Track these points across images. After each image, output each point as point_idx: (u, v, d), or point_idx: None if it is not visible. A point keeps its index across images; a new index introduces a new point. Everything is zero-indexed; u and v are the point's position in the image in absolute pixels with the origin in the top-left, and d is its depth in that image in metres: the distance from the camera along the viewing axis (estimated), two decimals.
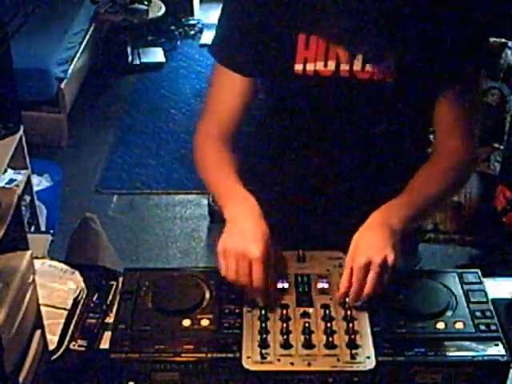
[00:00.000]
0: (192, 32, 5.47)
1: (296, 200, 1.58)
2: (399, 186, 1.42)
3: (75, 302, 1.42)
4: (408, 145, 1.53)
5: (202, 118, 1.53)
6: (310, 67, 1.38)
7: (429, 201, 1.41)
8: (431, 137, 1.53)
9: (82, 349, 1.34)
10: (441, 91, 1.40)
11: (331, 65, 1.38)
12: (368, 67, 1.36)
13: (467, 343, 1.24)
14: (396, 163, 1.52)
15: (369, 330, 1.26)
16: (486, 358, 1.22)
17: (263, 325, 1.25)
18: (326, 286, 1.34)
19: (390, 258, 1.26)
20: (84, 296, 1.44)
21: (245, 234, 1.30)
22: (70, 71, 4.14)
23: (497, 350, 1.23)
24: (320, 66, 1.38)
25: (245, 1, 1.40)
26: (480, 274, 1.38)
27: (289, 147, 1.54)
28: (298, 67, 1.38)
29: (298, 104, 1.45)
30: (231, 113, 1.48)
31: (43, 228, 3.21)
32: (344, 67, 1.37)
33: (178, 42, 5.33)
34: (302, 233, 1.59)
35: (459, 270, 1.39)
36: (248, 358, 1.21)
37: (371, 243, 1.29)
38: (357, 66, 1.37)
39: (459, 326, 1.27)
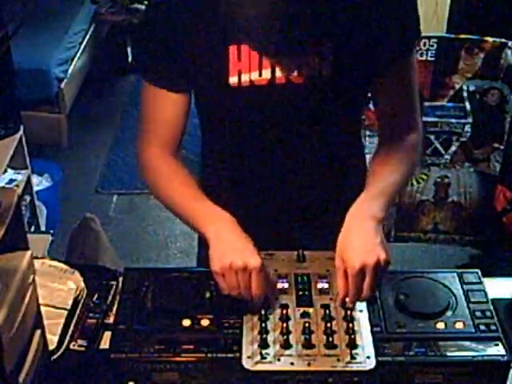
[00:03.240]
0: None
1: (255, 207, 1.56)
2: (352, 179, 1.47)
3: (75, 301, 1.41)
4: (350, 136, 1.55)
5: (141, 138, 1.50)
6: (244, 78, 1.36)
7: (396, 185, 1.40)
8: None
9: (82, 349, 1.34)
10: (378, 74, 1.41)
11: (266, 73, 1.35)
12: (304, 71, 1.34)
13: (467, 343, 1.24)
14: (342, 157, 1.53)
15: (369, 330, 1.26)
16: (486, 357, 1.22)
17: (263, 325, 1.25)
18: (325, 286, 1.34)
19: (383, 257, 1.24)
20: (84, 296, 1.44)
21: (237, 249, 1.29)
22: (69, 71, 4.14)
23: (497, 350, 1.23)
24: (255, 75, 1.36)
25: (167, 16, 1.35)
26: (480, 274, 1.38)
27: (233, 159, 1.52)
28: (233, 80, 1.36)
29: (237, 116, 1.43)
30: (170, 128, 1.46)
31: (43, 228, 3.21)
32: (279, 74, 1.35)
33: None
34: (268, 237, 1.58)
35: (459, 270, 1.39)
36: (248, 358, 1.21)
37: (361, 244, 1.26)
38: (293, 71, 1.34)
39: (459, 325, 1.27)
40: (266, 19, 1.16)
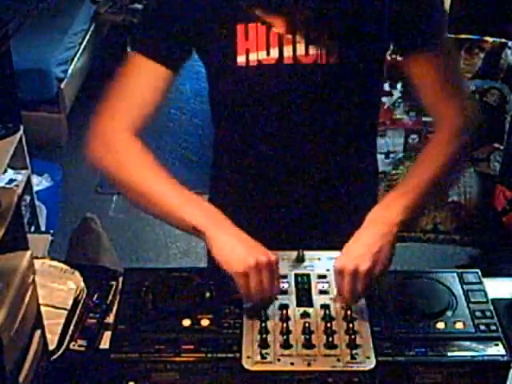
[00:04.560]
0: None
1: (262, 192, 1.54)
2: (360, 177, 1.45)
3: (75, 302, 1.41)
4: (361, 131, 1.51)
5: (104, 112, 1.41)
6: (252, 57, 1.35)
7: (431, 183, 1.37)
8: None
9: (82, 349, 1.34)
10: (407, 64, 1.40)
11: (274, 52, 1.35)
12: (312, 51, 1.34)
13: (467, 343, 1.24)
14: (351, 151, 1.50)
15: (369, 330, 1.26)
16: (486, 357, 1.22)
17: (263, 325, 1.25)
18: (325, 286, 1.34)
19: (378, 268, 1.26)
20: (84, 296, 1.44)
21: (254, 246, 1.27)
22: (69, 71, 4.14)
23: (497, 350, 1.23)
24: (263, 55, 1.35)
25: None
26: (480, 274, 1.38)
27: (243, 140, 1.49)
28: (241, 59, 1.35)
29: (245, 95, 1.41)
30: (143, 104, 1.39)
31: (43, 228, 3.21)
32: (287, 53, 1.34)
33: None
34: (272, 232, 1.56)
35: (459, 270, 1.39)
36: (248, 357, 1.21)
37: (359, 250, 1.27)
38: (300, 50, 1.34)
39: (459, 325, 1.27)
40: None
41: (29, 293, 1.13)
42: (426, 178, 1.37)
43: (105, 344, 1.32)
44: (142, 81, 1.40)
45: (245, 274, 1.24)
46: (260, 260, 1.24)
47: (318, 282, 1.35)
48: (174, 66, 1.41)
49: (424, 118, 2.77)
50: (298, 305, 1.30)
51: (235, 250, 1.26)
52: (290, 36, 1.32)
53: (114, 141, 1.38)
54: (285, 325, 1.25)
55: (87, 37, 4.52)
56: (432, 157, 1.40)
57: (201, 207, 1.33)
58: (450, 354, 1.22)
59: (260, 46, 1.34)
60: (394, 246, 1.29)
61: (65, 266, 1.50)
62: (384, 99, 2.72)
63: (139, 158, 1.38)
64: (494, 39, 2.62)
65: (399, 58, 1.43)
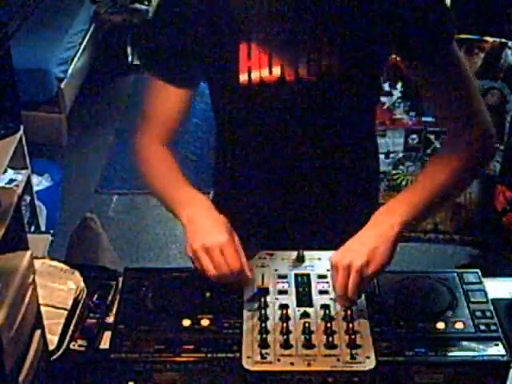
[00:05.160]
0: None
1: (265, 205, 1.57)
2: (362, 179, 1.47)
3: (75, 302, 1.41)
4: (362, 134, 1.54)
5: (138, 129, 1.52)
6: (254, 75, 1.36)
7: (435, 194, 1.37)
8: None
9: (82, 349, 1.33)
10: (417, 73, 1.39)
11: (276, 71, 1.36)
12: (314, 67, 1.34)
13: (467, 343, 1.24)
14: (354, 156, 1.52)
15: (369, 330, 1.26)
16: (486, 357, 1.22)
17: (263, 325, 1.25)
18: (325, 286, 1.34)
19: (373, 266, 1.26)
20: (84, 296, 1.44)
21: (206, 229, 1.32)
22: (69, 71, 4.14)
23: (497, 350, 1.23)
24: (265, 73, 1.36)
25: (179, 12, 1.36)
26: (480, 274, 1.38)
27: (245, 156, 1.53)
28: (243, 77, 1.37)
29: (248, 113, 1.44)
30: (167, 121, 1.48)
31: (43, 228, 3.21)
32: (289, 71, 1.35)
33: None
34: (273, 235, 1.60)
35: (459, 270, 1.39)
36: (248, 358, 1.21)
37: (355, 247, 1.29)
38: (302, 68, 1.35)
39: (459, 325, 1.27)
40: (272, 14, 1.15)
41: (29, 293, 1.13)
42: (431, 188, 1.37)
43: (105, 344, 1.32)
44: (165, 104, 1.47)
45: (194, 257, 1.31)
46: (203, 244, 1.29)
47: (317, 282, 1.35)
48: (191, 85, 1.45)
49: (424, 118, 2.77)
50: (298, 305, 1.30)
51: (189, 233, 1.33)
52: (291, 55, 1.32)
53: (144, 155, 1.51)
54: (285, 325, 1.25)
55: (87, 37, 4.52)
56: (441, 168, 1.39)
57: (186, 200, 1.39)
58: (450, 353, 1.22)
59: (262, 65, 1.35)
60: (395, 247, 1.29)
61: (65, 266, 1.50)
62: (384, 99, 2.72)
63: (154, 165, 1.49)
64: (494, 39, 2.62)
65: (399, 58, 1.43)
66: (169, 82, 1.43)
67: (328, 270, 1.36)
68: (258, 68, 1.36)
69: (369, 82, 1.43)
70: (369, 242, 1.28)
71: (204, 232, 1.32)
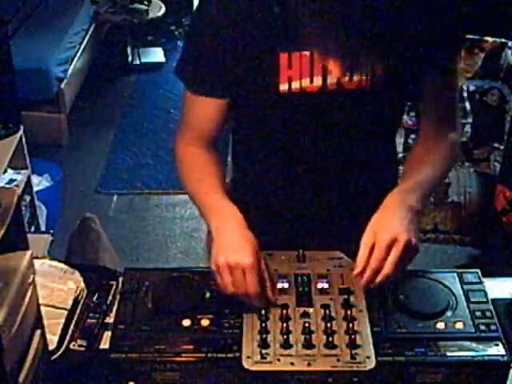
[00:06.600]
0: None
1: (291, 209, 1.57)
2: (381, 184, 1.46)
3: (75, 302, 1.41)
4: (388, 142, 1.57)
5: (178, 133, 1.52)
6: (295, 85, 1.36)
7: (433, 180, 1.43)
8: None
9: (82, 349, 1.33)
10: (422, 80, 1.43)
11: (317, 80, 1.36)
12: (356, 76, 1.34)
13: (467, 343, 1.24)
14: (380, 161, 1.55)
15: (369, 330, 1.26)
16: (486, 357, 1.22)
17: (263, 325, 1.25)
18: (325, 286, 1.34)
19: (414, 240, 1.25)
20: (84, 296, 1.44)
21: (232, 246, 1.30)
22: (69, 71, 4.14)
23: (497, 350, 1.23)
24: (306, 82, 1.36)
25: (216, 22, 1.35)
26: (480, 273, 1.38)
27: (281, 164, 1.52)
28: (284, 87, 1.36)
29: (286, 121, 1.44)
30: (205, 129, 1.48)
31: (43, 228, 3.21)
32: (332, 80, 1.35)
33: (178, 42, 5.33)
34: (296, 236, 1.59)
35: (459, 270, 1.39)
36: (248, 358, 1.21)
37: (394, 223, 1.26)
38: (345, 76, 1.34)
39: (459, 325, 1.27)
40: (324, 25, 1.14)
41: (29, 293, 1.13)
42: (429, 178, 1.42)
43: (105, 344, 1.32)
44: (196, 111, 1.47)
45: (217, 272, 1.29)
46: (227, 262, 1.27)
47: (317, 282, 1.35)
48: (226, 95, 1.44)
49: None
50: (298, 305, 1.30)
51: (215, 247, 1.31)
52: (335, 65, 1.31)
53: (182, 160, 1.51)
54: (285, 325, 1.25)
55: (87, 37, 4.52)
56: (436, 160, 1.45)
57: (217, 209, 1.38)
58: (449, 353, 1.22)
59: (304, 74, 1.35)
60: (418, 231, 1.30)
61: (65, 266, 1.50)
62: None
63: (191, 170, 1.49)
64: (494, 39, 2.62)
65: None
66: (205, 94, 1.42)
67: (328, 270, 1.37)
68: (299, 78, 1.35)
69: (407, 94, 1.46)
70: (406, 219, 1.27)
71: (230, 249, 1.30)
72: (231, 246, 1.30)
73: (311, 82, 1.36)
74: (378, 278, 1.25)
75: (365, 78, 1.35)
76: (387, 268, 1.24)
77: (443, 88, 1.45)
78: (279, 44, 1.33)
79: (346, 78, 1.35)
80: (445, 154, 1.47)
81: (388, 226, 1.26)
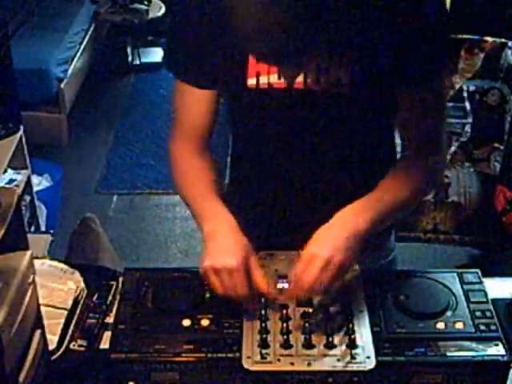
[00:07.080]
0: None
1: (272, 206, 1.56)
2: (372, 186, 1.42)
3: (75, 302, 1.42)
4: (374, 145, 1.51)
5: (170, 134, 1.52)
6: (263, 80, 1.36)
7: (396, 203, 1.37)
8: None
9: (82, 349, 1.34)
10: (401, 93, 1.38)
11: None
12: (322, 79, 1.33)
13: (467, 343, 1.24)
14: (363, 164, 1.50)
15: (369, 330, 1.26)
16: (486, 357, 1.22)
17: (263, 325, 1.25)
18: None
19: (337, 258, 1.24)
20: (84, 296, 1.44)
21: (221, 249, 1.30)
22: (70, 71, 4.14)
23: (497, 350, 1.23)
24: (274, 78, 1.35)
25: (191, 17, 1.36)
26: (480, 274, 1.38)
27: (254, 159, 1.53)
28: (251, 81, 1.36)
29: (255, 117, 1.44)
30: (196, 124, 1.48)
31: (43, 228, 3.21)
32: (298, 79, 1.34)
33: None
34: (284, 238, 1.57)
35: (459, 270, 1.39)
36: (248, 358, 1.21)
37: (334, 242, 1.26)
38: (311, 77, 1.34)
39: (459, 325, 1.27)
40: (280, 25, 1.13)
41: (29, 293, 1.13)
42: (392, 200, 1.37)
43: (105, 344, 1.32)
44: (188, 104, 1.47)
45: (203, 275, 1.29)
46: (214, 265, 1.27)
47: None
48: (206, 85, 1.44)
49: None
50: (298, 305, 1.30)
51: (204, 251, 1.31)
52: (301, 63, 1.29)
53: (175, 162, 1.52)
54: (285, 325, 1.25)
55: (87, 37, 4.52)
56: (401, 184, 1.40)
57: (209, 213, 1.38)
58: (449, 354, 1.22)
59: (272, 70, 1.35)
60: (361, 246, 1.28)
61: (65, 266, 1.50)
62: None
63: (185, 172, 1.50)
64: (494, 39, 2.61)
65: None
66: (193, 84, 1.43)
67: None
68: (267, 73, 1.35)
69: (379, 97, 1.39)
70: (346, 238, 1.26)
71: (217, 252, 1.30)
72: (219, 249, 1.30)
73: (279, 77, 1.35)
74: (307, 293, 1.27)
75: (331, 80, 1.33)
76: (317, 285, 1.24)
77: (423, 106, 1.38)
78: (246, 45, 1.29)
79: (313, 79, 1.33)
80: (417, 178, 1.41)
81: (327, 245, 1.26)
